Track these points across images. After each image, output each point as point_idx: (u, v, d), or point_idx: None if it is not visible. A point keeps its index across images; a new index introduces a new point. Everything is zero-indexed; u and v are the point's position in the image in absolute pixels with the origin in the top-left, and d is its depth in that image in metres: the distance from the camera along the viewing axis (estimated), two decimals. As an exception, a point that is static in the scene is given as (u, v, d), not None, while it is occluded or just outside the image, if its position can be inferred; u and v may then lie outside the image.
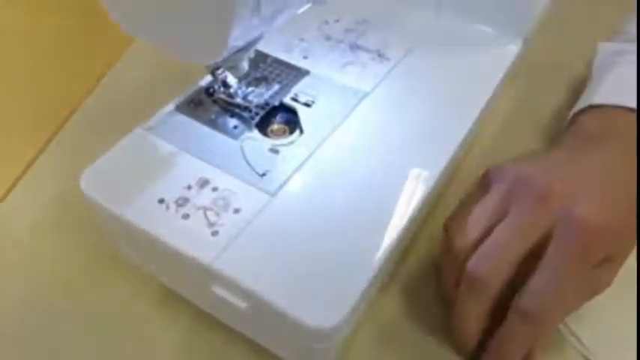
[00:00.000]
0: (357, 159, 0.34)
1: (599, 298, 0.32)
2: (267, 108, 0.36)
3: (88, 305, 0.36)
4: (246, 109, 0.36)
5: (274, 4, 0.27)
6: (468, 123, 0.38)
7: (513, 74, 0.46)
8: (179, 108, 0.36)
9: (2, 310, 0.36)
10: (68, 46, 0.61)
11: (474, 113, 0.38)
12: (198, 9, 0.24)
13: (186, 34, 0.26)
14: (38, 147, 0.47)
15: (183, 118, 0.36)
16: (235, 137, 0.35)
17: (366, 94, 0.39)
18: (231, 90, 0.36)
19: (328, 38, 0.43)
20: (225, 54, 0.27)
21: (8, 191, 0.44)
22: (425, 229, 0.40)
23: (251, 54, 0.33)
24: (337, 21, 0.45)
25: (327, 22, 0.45)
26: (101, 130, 0.48)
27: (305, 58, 0.41)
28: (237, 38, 0.26)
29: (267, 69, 0.39)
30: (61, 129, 0.49)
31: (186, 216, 0.30)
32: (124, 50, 0.58)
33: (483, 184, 0.34)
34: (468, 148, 0.44)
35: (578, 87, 0.49)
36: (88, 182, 0.32)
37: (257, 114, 0.36)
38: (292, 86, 0.38)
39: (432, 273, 0.38)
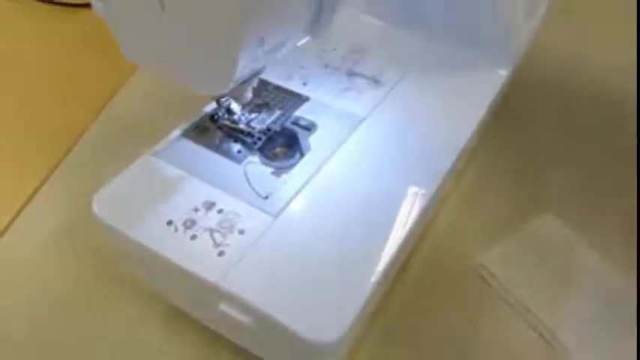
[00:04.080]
0: (355, 180, 0.36)
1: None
2: (269, 133, 0.38)
3: (96, 325, 0.38)
4: (250, 134, 0.38)
5: (277, 39, 0.29)
6: (461, 143, 0.40)
7: (503, 97, 0.48)
8: (185, 134, 0.38)
9: (8, 329, 0.38)
10: (74, 72, 0.62)
11: (465, 135, 0.40)
12: (207, 45, 0.26)
13: (195, 68, 0.28)
14: (45, 172, 0.49)
15: (189, 144, 0.38)
16: (239, 161, 0.37)
17: (362, 119, 0.40)
18: (235, 116, 0.38)
19: (326, 66, 0.45)
20: (231, 86, 0.28)
21: (17, 213, 0.45)
22: (424, 241, 0.41)
23: (254, 83, 0.35)
24: (334, 49, 0.47)
25: (325, 51, 0.47)
26: (107, 155, 0.50)
27: (305, 84, 0.43)
28: (242, 71, 0.28)
29: (268, 96, 0.41)
30: (68, 153, 0.51)
31: (193, 237, 0.32)
32: (129, 75, 0.60)
33: None
34: (462, 167, 0.46)
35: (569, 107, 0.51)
36: (100, 205, 0.34)
37: (259, 139, 0.38)
38: (293, 112, 0.40)
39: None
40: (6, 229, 0.45)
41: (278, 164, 0.37)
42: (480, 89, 0.44)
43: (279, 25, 0.28)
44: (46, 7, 0.73)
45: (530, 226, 0.45)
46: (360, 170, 0.37)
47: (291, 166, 0.37)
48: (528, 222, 0.45)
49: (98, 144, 0.52)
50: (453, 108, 0.43)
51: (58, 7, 0.72)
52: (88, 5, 0.71)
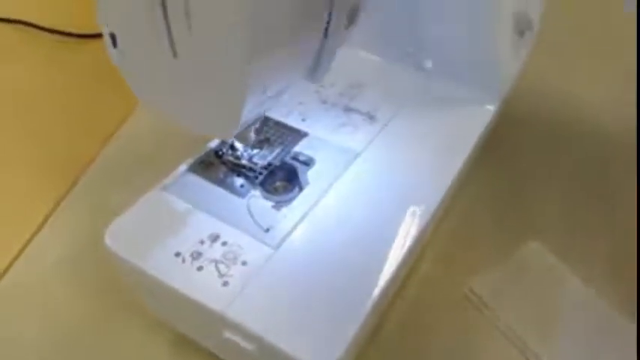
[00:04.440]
0: (351, 212, 0.39)
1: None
2: (270, 168, 0.41)
3: (104, 352, 0.40)
4: (252, 169, 0.40)
5: (278, 86, 0.32)
6: (451, 176, 0.42)
7: (492, 130, 0.51)
8: (192, 168, 0.41)
9: (16, 357, 0.40)
10: (82, 102, 0.65)
11: (454, 169, 0.43)
12: (215, 94, 0.29)
13: (204, 115, 0.31)
14: (53, 201, 0.51)
15: (195, 178, 0.40)
16: (242, 195, 0.39)
17: (358, 154, 0.43)
18: (238, 153, 0.41)
19: (324, 101, 0.48)
20: (237, 131, 0.31)
21: (27, 242, 0.48)
22: (415, 271, 0.44)
23: (257, 124, 0.37)
24: (332, 85, 0.50)
25: (323, 86, 0.49)
26: (115, 184, 0.52)
27: (303, 120, 0.46)
28: (247, 116, 0.31)
29: (269, 131, 0.44)
30: (76, 183, 0.53)
31: (200, 268, 0.34)
32: (136, 105, 0.63)
33: None
34: (452, 197, 0.48)
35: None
36: (112, 238, 0.36)
37: (261, 173, 0.40)
38: (292, 147, 0.43)
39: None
40: (15, 258, 0.47)
41: (278, 198, 0.39)
42: (468, 124, 0.47)
43: (281, 74, 0.31)
44: (55, 38, 0.75)
45: (517, 254, 0.47)
46: (356, 203, 0.39)
47: (291, 199, 0.39)
48: (516, 249, 0.47)
49: (106, 173, 0.55)
50: (443, 143, 0.45)
51: (67, 38, 0.74)
52: (96, 36, 0.74)
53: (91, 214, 0.50)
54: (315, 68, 0.33)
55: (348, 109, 0.47)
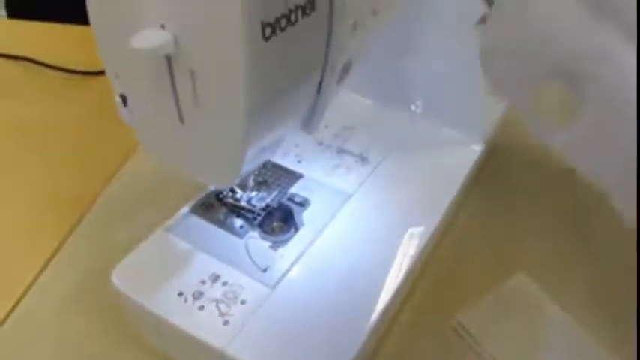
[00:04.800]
0: (344, 253, 0.41)
1: None
2: (268, 209, 0.43)
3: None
4: (250, 211, 0.43)
5: (275, 139, 0.35)
6: (439, 214, 0.45)
7: (480, 167, 0.53)
8: (193, 210, 0.43)
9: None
10: (86, 138, 0.66)
11: (443, 206, 0.46)
12: (217, 150, 0.31)
13: (207, 167, 0.33)
14: (59, 238, 0.53)
15: (197, 220, 0.42)
16: (241, 236, 0.41)
17: (350, 195, 0.46)
18: (237, 195, 0.43)
19: (319, 143, 0.50)
20: (237, 181, 0.34)
21: (35, 279, 0.49)
22: (406, 303, 0.46)
23: (255, 172, 0.40)
24: (327, 127, 0.52)
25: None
26: (119, 221, 0.54)
27: (299, 162, 0.48)
28: (246, 167, 0.33)
29: (267, 173, 0.46)
30: (82, 219, 0.55)
31: (201, 307, 0.36)
32: (139, 143, 0.65)
33: None
34: (444, 229, 0.51)
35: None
36: (119, 277, 0.38)
37: (259, 215, 0.43)
38: (288, 188, 0.45)
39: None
40: (23, 294, 0.48)
41: (275, 238, 0.42)
42: (455, 164, 0.50)
43: (278, 129, 0.33)
44: (60, 75, 0.77)
45: (504, 286, 0.49)
46: (349, 243, 0.42)
47: (287, 240, 0.41)
48: (503, 282, 0.49)
49: (110, 210, 0.57)
50: (432, 183, 0.48)
51: (71, 75, 0.77)
52: (100, 73, 0.76)
53: (97, 250, 0.52)
54: (310, 120, 0.35)
55: (341, 151, 0.50)
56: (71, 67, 0.77)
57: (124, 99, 0.31)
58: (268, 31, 0.25)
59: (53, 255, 0.52)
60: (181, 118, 0.30)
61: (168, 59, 0.27)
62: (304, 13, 0.27)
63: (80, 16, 0.81)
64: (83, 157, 0.64)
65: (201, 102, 0.28)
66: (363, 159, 0.49)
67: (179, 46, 0.26)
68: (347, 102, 0.55)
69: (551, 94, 0.24)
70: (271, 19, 0.25)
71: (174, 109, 0.29)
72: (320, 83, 0.33)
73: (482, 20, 0.36)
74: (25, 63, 0.79)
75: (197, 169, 0.33)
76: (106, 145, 0.65)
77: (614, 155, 0.22)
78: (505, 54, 0.25)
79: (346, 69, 0.35)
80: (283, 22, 0.26)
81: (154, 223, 0.43)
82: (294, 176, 0.47)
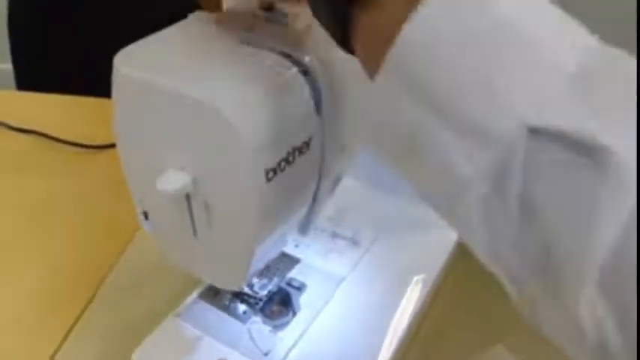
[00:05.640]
0: (339, 335, 0.46)
1: None
2: (268, 294, 0.48)
3: None
4: (253, 297, 0.47)
5: (275, 246, 0.40)
6: (425, 291, 0.50)
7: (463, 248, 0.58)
8: (201, 296, 0.48)
9: None
10: (94, 213, 0.67)
11: (429, 283, 0.51)
12: (227, 259, 0.36)
13: (218, 273, 0.38)
14: (71, 319, 0.55)
15: (204, 305, 0.47)
16: (244, 321, 0.46)
17: (343, 278, 0.50)
18: (241, 282, 0.48)
19: (315, 227, 0.55)
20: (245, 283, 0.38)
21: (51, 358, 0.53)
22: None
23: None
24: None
25: (313, 212, 0.57)
26: (130, 297, 0.58)
27: (296, 246, 0.53)
28: (251, 272, 0.38)
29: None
30: (92, 299, 0.58)
31: (210, 391, 0.41)
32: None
33: None
34: (427, 307, 0.55)
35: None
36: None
37: (261, 300, 0.47)
38: (287, 273, 0.50)
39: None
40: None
41: (275, 322, 0.46)
42: (440, 244, 0.55)
43: (279, 239, 0.38)
44: (69, 148, 0.78)
45: (484, 357, 0.53)
46: (342, 326, 0.46)
47: (286, 324, 0.46)
48: (483, 353, 0.54)
49: (120, 285, 0.60)
50: (418, 262, 0.53)
51: (80, 149, 0.78)
52: (108, 147, 0.80)
53: (111, 328, 0.55)
54: (305, 224, 0.40)
55: (335, 235, 0.55)
56: (81, 140, 0.78)
57: (146, 215, 0.36)
58: (271, 174, 0.30)
59: (67, 335, 0.54)
60: (196, 236, 0.35)
61: (187, 195, 0.32)
62: (301, 152, 0.32)
63: (90, 88, 0.86)
64: (92, 233, 0.65)
65: (213, 226, 0.33)
66: (355, 242, 0.54)
67: (197, 185, 0.31)
68: (341, 185, 0.60)
69: None
70: (273, 165, 0.30)
71: (190, 229, 0.34)
72: (314, 196, 0.38)
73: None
74: (35, 136, 0.80)
75: (208, 275, 0.38)
76: (115, 220, 0.68)
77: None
78: None
79: (337, 181, 0.40)
80: (283, 164, 0.31)
81: (163, 299, 0.47)
82: (292, 260, 0.51)
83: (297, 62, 0.33)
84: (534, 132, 0.21)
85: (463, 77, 0.22)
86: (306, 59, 0.33)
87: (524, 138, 0.21)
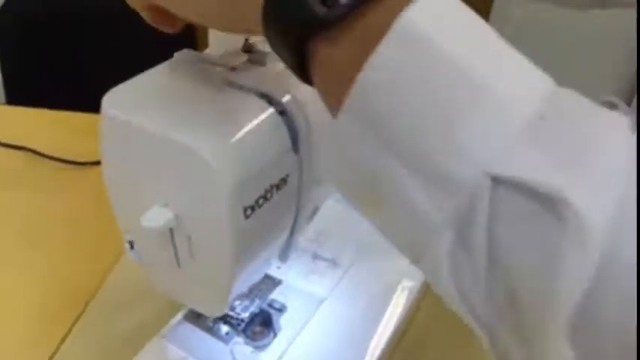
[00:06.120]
0: (318, 354, 0.48)
1: None
2: (250, 315, 0.50)
3: None
4: (235, 318, 0.49)
5: (255, 274, 0.42)
6: (403, 311, 0.52)
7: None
8: (186, 317, 0.50)
9: None
10: (81, 230, 0.68)
11: (409, 302, 0.53)
12: (209, 287, 0.38)
13: (201, 300, 0.40)
14: (61, 331, 0.56)
15: (188, 326, 0.49)
16: (226, 342, 0.48)
17: (323, 299, 0.52)
18: (224, 304, 0.49)
19: (296, 249, 0.57)
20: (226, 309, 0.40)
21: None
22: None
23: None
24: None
25: (295, 233, 0.59)
26: (118, 313, 0.59)
27: (278, 268, 0.55)
28: (231, 299, 0.40)
29: (250, 280, 0.53)
30: (82, 314, 0.60)
31: (193, 410, 0.43)
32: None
33: None
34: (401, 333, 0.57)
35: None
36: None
37: (243, 321, 0.49)
38: (269, 294, 0.52)
39: None
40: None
41: (256, 343, 0.48)
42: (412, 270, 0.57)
43: (258, 267, 0.40)
44: (58, 165, 0.79)
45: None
46: (321, 347, 0.48)
47: (268, 344, 0.48)
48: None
49: (108, 302, 0.62)
50: (395, 284, 0.55)
51: (69, 165, 0.79)
52: (96, 163, 0.81)
53: (101, 344, 0.56)
54: (285, 252, 0.42)
55: (315, 257, 0.57)
56: (71, 156, 0.79)
57: (132, 244, 0.38)
58: (249, 211, 0.32)
59: (53, 354, 0.55)
60: (179, 265, 0.36)
61: (171, 229, 0.34)
62: (278, 189, 0.34)
63: (80, 103, 0.87)
64: (82, 249, 0.66)
65: (195, 257, 0.35)
66: (335, 264, 0.56)
67: (179, 221, 0.33)
68: (323, 207, 0.62)
69: None
70: (251, 203, 0.32)
71: (173, 260, 0.36)
72: (292, 227, 0.40)
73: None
74: (25, 152, 0.81)
75: (192, 302, 0.40)
76: (104, 237, 0.69)
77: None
78: None
79: (314, 211, 0.42)
80: (261, 201, 0.33)
81: (151, 315, 0.48)
82: (274, 282, 0.53)
83: (275, 102, 0.35)
84: (497, 181, 0.21)
85: (423, 121, 0.22)
86: (284, 99, 0.35)
87: (489, 187, 0.21)
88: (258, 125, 0.33)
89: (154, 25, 0.32)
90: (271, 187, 0.34)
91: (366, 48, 0.22)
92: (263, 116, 0.34)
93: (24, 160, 0.81)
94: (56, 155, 0.80)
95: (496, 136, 0.21)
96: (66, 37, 1.10)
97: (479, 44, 0.23)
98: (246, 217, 0.32)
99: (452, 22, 0.23)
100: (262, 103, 0.34)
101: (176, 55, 0.38)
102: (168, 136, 0.31)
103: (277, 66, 0.37)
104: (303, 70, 0.25)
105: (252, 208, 0.33)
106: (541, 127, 0.21)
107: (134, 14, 0.32)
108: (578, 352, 0.20)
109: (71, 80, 1.09)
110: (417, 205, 0.23)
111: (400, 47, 0.22)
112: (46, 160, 0.80)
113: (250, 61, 0.37)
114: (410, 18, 0.22)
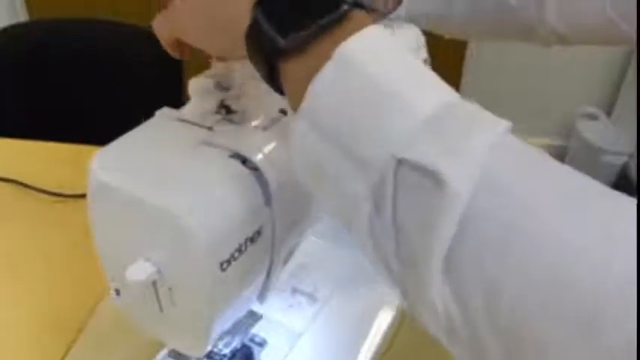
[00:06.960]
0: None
1: None
2: (233, 351, 0.52)
3: None
4: (217, 354, 0.52)
5: (234, 314, 0.44)
6: (379, 341, 0.55)
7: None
8: (170, 353, 0.52)
9: None
10: (69, 262, 0.70)
11: (380, 334, 0.55)
12: (191, 330, 0.41)
13: (183, 341, 0.42)
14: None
15: (174, 363, 0.51)
16: (210, 378, 0.50)
17: (301, 333, 0.55)
18: (207, 341, 0.52)
19: (274, 288, 0.60)
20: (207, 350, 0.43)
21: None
22: None
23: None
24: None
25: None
26: (103, 352, 0.61)
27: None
28: (212, 339, 0.42)
29: (232, 316, 0.56)
30: (69, 351, 0.62)
31: None
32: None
33: None
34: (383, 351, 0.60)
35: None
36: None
37: (225, 356, 0.52)
38: (249, 329, 0.55)
39: None
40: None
41: (238, 378, 0.50)
42: (391, 298, 0.60)
43: (237, 310, 0.43)
44: (46, 197, 0.81)
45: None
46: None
47: (248, 380, 0.50)
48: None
49: (95, 339, 0.64)
50: (371, 315, 0.58)
51: (57, 198, 0.80)
52: (82, 196, 0.83)
53: None
54: (262, 294, 0.45)
55: (295, 291, 0.59)
56: (59, 188, 0.81)
57: (118, 291, 0.41)
58: (225, 265, 0.35)
59: None
60: (162, 312, 0.39)
61: (154, 281, 0.36)
62: (252, 241, 0.37)
63: (69, 134, 0.89)
64: (68, 282, 0.68)
65: (177, 304, 0.38)
66: (314, 298, 0.59)
67: (161, 274, 0.36)
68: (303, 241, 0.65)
69: None
70: (227, 257, 0.35)
71: (156, 307, 0.39)
72: (268, 271, 0.43)
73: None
74: (13, 184, 0.83)
75: (175, 343, 0.43)
76: (91, 270, 0.70)
77: None
78: None
79: (290, 253, 0.45)
80: (236, 255, 0.36)
81: (134, 355, 0.50)
82: (255, 317, 0.56)
83: (247, 161, 0.38)
84: (401, 162, 0.28)
85: (351, 119, 0.30)
86: (257, 157, 0.38)
87: (394, 167, 0.28)
88: (231, 183, 0.36)
89: (171, 53, 0.40)
90: (246, 240, 0.37)
91: (315, 68, 0.30)
92: (236, 174, 0.37)
93: (11, 191, 0.83)
94: (43, 187, 0.82)
95: (400, 130, 0.28)
96: (55, 69, 1.13)
97: (397, 65, 0.31)
98: (222, 270, 0.35)
99: (378, 50, 0.31)
100: (235, 162, 0.37)
101: (157, 113, 0.41)
102: (146, 200, 0.34)
103: (250, 125, 0.40)
104: (274, 81, 0.33)
105: (229, 262, 0.35)
106: (435, 123, 0.28)
107: (127, 51, 0.36)
108: (450, 287, 0.27)
109: (60, 112, 1.11)
110: (346, 183, 0.30)
111: (337, 70, 0.30)
112: (34, 192, 0.82)
113: (225, 120, 0.40)
114: (346, 48, 0.30)
